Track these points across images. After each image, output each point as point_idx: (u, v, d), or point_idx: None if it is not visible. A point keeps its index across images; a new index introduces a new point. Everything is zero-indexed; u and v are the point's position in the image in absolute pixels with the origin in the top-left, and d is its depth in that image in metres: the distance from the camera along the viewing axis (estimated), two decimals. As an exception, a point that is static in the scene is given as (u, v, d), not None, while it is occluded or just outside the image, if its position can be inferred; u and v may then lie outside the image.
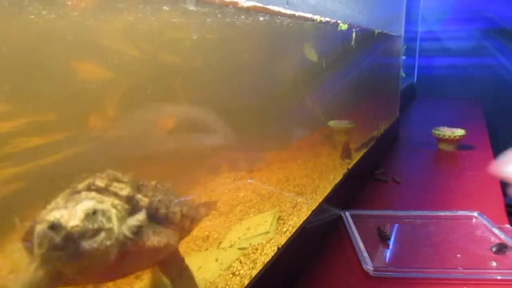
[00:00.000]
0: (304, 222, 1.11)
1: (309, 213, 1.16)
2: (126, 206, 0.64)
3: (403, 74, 3.44)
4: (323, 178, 1.41)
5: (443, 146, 2.47)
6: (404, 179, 1.90)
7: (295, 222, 1.10)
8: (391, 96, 2.77)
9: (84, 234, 0.50)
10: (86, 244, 0.50)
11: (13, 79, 0.63)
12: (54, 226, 0.48)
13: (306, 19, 1.05)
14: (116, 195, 0.64)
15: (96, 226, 0.52)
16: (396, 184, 1.86)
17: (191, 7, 0.62)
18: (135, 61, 0.81)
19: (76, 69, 0.77)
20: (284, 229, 1.05)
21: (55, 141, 0.72)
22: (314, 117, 1.52)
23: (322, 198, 1.29)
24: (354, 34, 1.41)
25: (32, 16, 0.59)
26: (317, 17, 1.09)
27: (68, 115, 0.76)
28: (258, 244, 0.95)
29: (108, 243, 0.53)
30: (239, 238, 0.96)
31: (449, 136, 2.42)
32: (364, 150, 1.88)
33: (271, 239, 0.99)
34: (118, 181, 0.67)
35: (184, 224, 0.78)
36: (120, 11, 0.62)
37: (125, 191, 0.65)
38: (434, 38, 5.00)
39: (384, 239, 1.31)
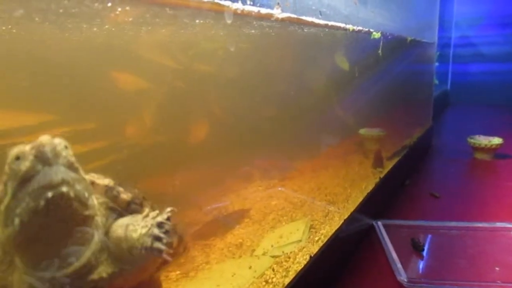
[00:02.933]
0: (336, 231, 1.10)
1: (341, 222, 1.16)
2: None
3: (436, 81, 3.37)
4: (355, 187, 1.40)
5: (479, 155, 2.40)
6: (439, 189, 1.85)
7: (327, 231, 1.09)
8: (424, 104, 2.72)
9: (46, 160, 0.46)
10: (53, 170, 0.46)
11: (56, 90, 0.67)
12: (18, 157, 0.46)
13: (339, 28, 1.05)
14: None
15: (65, 159, 0.48)
16: (430, 194, 1.81)
17: (229, 21, 0.64)
18: (173, 71, 0.84)
19: (116, 80, 0.81)
20: (316, 238, 1.05)
21: (95, 149, 0.76)
22: (345, 125, 1.51)
23: (354, 207, 1.28)
24: (381, 43, 1.40)
25: (71, 32, 0.63)
26: (350, 27, 1.09)
27: (107, 124, 0.79)
28: (291, 253, 0.96)
29: (80, 189, 0.48)
30: (272, 246, 0.97)
31: (486, 145, 2.34)
32: (397, 159, 1.85)
33: (304, 247, 0.99)
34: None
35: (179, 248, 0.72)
36: (168, 25, 0.65)
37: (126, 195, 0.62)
38: (468, 44, 4.87)
39: (418, 250, 1.28)
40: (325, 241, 1.05)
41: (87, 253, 0.53)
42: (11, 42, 0.57)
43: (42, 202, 0.46)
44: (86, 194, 0.51)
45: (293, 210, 1.13)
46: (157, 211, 0.59)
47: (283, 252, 0.96)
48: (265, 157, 1.17)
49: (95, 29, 0.64)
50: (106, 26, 0.62)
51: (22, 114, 0.66)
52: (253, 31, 0.84)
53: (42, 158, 0.46)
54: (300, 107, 1.20)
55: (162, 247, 0.55)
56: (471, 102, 4.65)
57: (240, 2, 0.65)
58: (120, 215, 0.61)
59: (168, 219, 0.58)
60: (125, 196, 0.62)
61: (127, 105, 0.83)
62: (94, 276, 0.54)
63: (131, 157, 0.83)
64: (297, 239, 1.01)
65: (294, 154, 1.28)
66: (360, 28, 1.17)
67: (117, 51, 0.74)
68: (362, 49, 1.36)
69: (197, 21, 0.67)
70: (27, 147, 0.47)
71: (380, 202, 1.58)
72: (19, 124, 0.66)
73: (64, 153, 0.48)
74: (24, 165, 0.46)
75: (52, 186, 0.46)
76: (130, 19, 0.61)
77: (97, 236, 0.56)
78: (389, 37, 1.45)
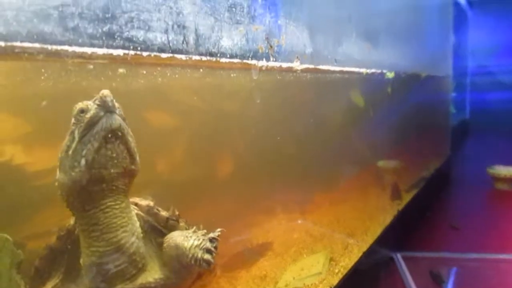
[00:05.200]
0: (355, 263, 1.14)
1: (360, 254, 1.20)
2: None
3: (453, 110, 3.39)
4: (374, 220, 1.44)
5: (499, 186, 2.39)
6: (459, 221, 1.86)
7: (346, 263, 1.13)
8: (441, 135, 2.75)
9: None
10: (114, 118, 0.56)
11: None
12: (83, 110, 0.56)
13: (353, 73, 1.13)
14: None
15: (121, 112, 0.58)
16: (449, 226, 1.82)
17: (255, 77, 0.73)
18: (203, 112, 0.93)
19: (149, 119, 0.90)
20: (336, 270, 1.09)
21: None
22: (361, 158, 1.57)
23: (373, 239, 1.31)
24: (390, 82, 1.47)
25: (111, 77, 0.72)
26: (364, 70, 1.17)
27: (140, 160, 0.87)
28: (312, 284, 1.00)
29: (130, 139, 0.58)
30: (293, 278, 1.02)
31: (505, 175, 2.34)
32: (415, 191, 1.88)
33: (324, 279, 1.03)
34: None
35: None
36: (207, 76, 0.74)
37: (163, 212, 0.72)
38: (485, 72, 4.88)
39: (438, 282, 1.30)
40: (344, 273, 1.09)
41: (132, 239, 0.61)
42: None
43: (103, 142, 0.55)
44: (135, 149, 0.60)
45: (313, 243, 1.18)
46: (205, 230, 0.68)
47: (304, 284, 1.00)
48: (286, 191, 1.23)
49: (142, 81, 0.73)
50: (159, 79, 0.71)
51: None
52: (275, 77, 0.93)
53: (105, 106, 0.56)
54: (319, 144, 1.27)
55: (212, 260, 0.63)
56: (491, 131, 4.61)
57: (264, 59, 0.74)
58: (161, 233, 0.71)
59: (218, 236, 0.67)
60: (164, 213, 0.72)
61: (160, 142, 0.92)
62: (142, 280, 0.62)
63: (161, 190, 0.91)
64: (318, 271, 1.05)
65: (313, 188, 1.34)
66: (373, 70, 1.25)
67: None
68: (377, 88, 1.44)
69: (232, 75, 0.76)
70: (89, 102, 0.57)
71: (399, 235, 1.61)
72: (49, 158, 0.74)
73: (119, 107, 0.58)
74: (89, 113, 0.56)
75: (112, 129, 0.56)
76: (177, 75, 0.70)
77: (138, 229, 0.64)
78: (403, 75, 1.53)
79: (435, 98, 2.52)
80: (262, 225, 1.14)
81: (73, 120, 0.57)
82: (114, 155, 0.57)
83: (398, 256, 1.47)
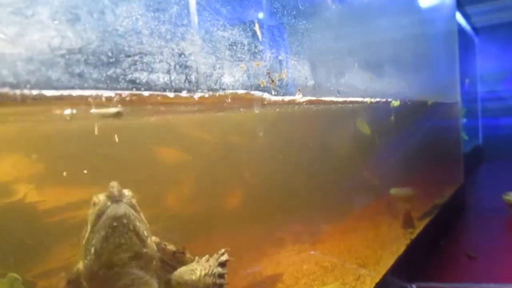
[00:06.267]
0: (368, 295, 1.12)
1: (373, 285, 1.18)
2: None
3: (465, 137, 3.37)
4: (386, 249, 1.42)
5: (516, 212, 2.34)
6: (475, 249, 1.82)
7: (359, 295, 1.11)
8: (453, 161, 2.72)
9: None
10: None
11: (105, 165, 0.78)
12: (95, 203, 0.59)
13: (357, 102, 1.15)
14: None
15: (129, 200, 0.61)
16: (466, 255, 1.78)
17: (257, 111, 0.75)
18: (212, 145, 0.95)
19: (158, 154, 0.92)
20: (348, 302, 1.07)
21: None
22: (372, 187, 1.56)
23: (386, 269, 1.29)
24: (393, 111, 1.48)
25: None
26: (368, 99, 1.19)
27: (150, 194, 0.89)
28: (323, 317, 0.99)
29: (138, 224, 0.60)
30: (304, 310, 1.01)
31: (522, 202, 2.30)
32: (428, 219, 1.85)
33: (336, 312, 1.02)
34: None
35: None
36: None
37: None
38: (496, 98, 4.87)
39: (455, 314, 1.26)
40: (357, 305, 1.07)
41: None
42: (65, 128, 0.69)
43: (109, 230, 0.59)
44: (145, 233, 0.63)
45: (324, 274, 1.16)
46: (207, 255, 0.69)
47: (315, 317, 0.99)
48: (295, 221, 1.23)
49: (152, 119, 0.76)
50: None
51: (79, 188, 0.77)
52: (279, 110, 0.96)
53: (111, 197, 0.59)
54: (328, 174, 1.28)
55: (225, 282, 0.65)
56: (505, 157, 4.54)
57: (266, 93, 0.77)
58: (171, 267, 0.72)
59: (227, 260, 0.68)
60: (171, 247, 0.75)
61: (169, 176, 0.94)
62: None
63: (171, 224, 0.92)
64: (329, 303, 1.03)
65: (323, 218, 1.34)
66: (378, 99, 1.27)
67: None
68: (383, 116, 1.45)
69: (235, 109, 0.79)
70: (101, 194, 0.61)
71: (413, 264, 1.58)
72: (71, 198, 0.76)
73: (128, 195, 0.62)
74: (99, 205, 0.60)
75: (117, 218, 0.59)
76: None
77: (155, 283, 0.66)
78: (409, 103, 1.54)
79: (445, 124, 2.52)
80: (271, 256, 1.14)
81: (90, 211, 0.62)
82: (123, 241, 0.60)
83: (413, 287, 1.44)
